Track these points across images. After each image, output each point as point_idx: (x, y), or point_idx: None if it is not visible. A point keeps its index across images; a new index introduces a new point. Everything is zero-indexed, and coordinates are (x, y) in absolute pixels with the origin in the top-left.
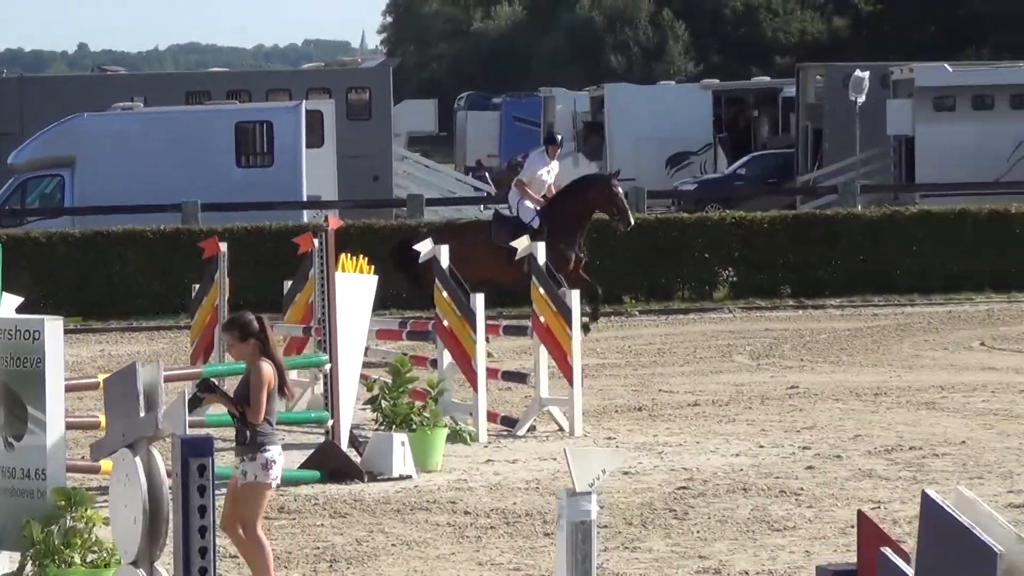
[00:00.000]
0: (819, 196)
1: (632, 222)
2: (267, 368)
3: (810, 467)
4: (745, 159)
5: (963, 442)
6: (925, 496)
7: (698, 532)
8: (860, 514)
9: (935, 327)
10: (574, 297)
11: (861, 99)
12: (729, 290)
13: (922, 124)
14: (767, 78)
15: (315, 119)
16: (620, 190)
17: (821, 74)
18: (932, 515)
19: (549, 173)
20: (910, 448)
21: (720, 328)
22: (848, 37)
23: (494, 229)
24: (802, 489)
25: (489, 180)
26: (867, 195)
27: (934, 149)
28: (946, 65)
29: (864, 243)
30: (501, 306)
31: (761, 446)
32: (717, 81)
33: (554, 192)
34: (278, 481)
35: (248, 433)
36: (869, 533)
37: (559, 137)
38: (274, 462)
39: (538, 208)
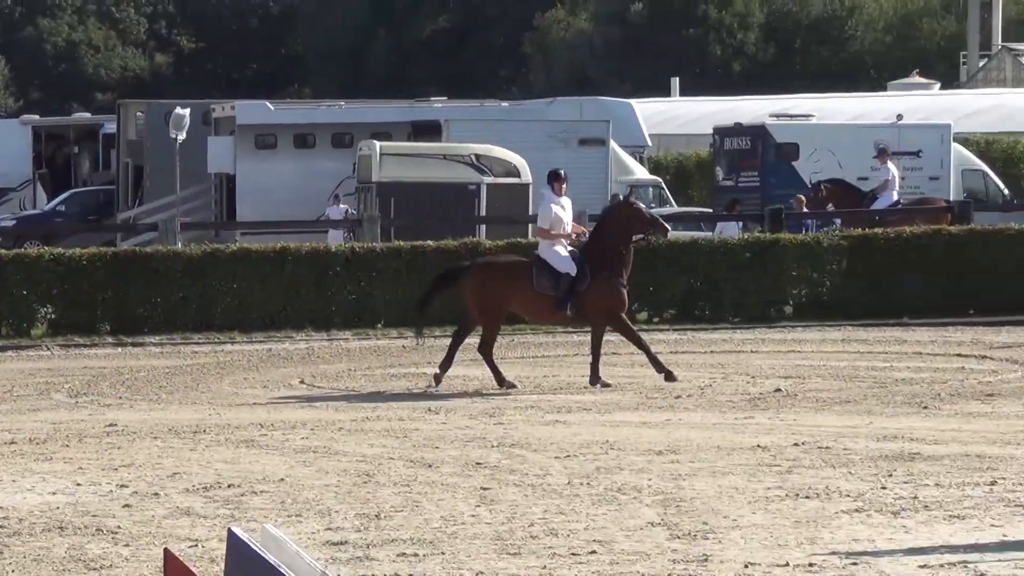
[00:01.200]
0: (139, 233)
1: (669, 228)
2: None
3: (127, 505)
4: (65, 195)
5: (282, 479)
6: (231, 534)
7: (13, 572)
8: (166, 552)
9: (255, 365)
10: None
11: (182, 136)
12: (48, 327)
13: (243, 162)
14: (88, 114)
15: None
16: (641, 205)
17: (142, 111)
18: (238, 553)
19: (564, 210)
20: (228, 486)
21: (39, 366)
22: (171, 74)
23: (535, 277)
24: (119, 527)
25: None
26: (188, 232)
27: (255, 187)
28: (268, 103)
29: (184, 280)
30: None
31: (78, 484)
32: (37, 117)
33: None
34: None
35: None
36: (175, 570)
37: (563, 172)
38: None
39: (572, 251)
